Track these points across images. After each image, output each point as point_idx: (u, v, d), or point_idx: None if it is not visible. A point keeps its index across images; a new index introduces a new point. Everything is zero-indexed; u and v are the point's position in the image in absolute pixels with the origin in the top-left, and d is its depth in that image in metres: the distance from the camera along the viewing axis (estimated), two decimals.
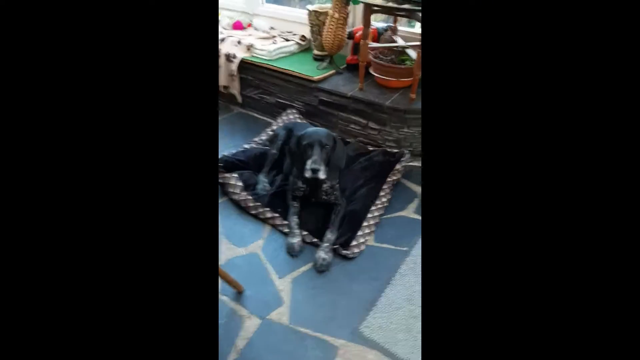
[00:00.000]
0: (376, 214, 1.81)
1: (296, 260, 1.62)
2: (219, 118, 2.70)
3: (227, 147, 2.30)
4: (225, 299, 1.45)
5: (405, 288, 1.50)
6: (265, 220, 1.81)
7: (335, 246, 1.63)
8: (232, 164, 1.99)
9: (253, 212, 1.83)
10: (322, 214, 1.80)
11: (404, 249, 1.68)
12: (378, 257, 1.65)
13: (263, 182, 1.94)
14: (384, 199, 1.89)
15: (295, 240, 1.66)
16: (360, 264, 1.61)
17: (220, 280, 1.42)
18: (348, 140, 2.33)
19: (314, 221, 1.76)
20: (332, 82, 2.37)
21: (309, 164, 1.64)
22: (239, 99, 2.75)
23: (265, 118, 2.72)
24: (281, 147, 2.02)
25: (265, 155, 2.07)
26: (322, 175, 1.64)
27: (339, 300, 1.46)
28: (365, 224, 1.74)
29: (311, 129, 1.77)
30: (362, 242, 1.68)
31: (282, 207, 1.81)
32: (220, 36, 2.73)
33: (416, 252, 1.67)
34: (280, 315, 1.41)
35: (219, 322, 1.37)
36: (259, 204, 1.82)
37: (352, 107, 2.25)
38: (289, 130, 2.08)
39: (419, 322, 1.39)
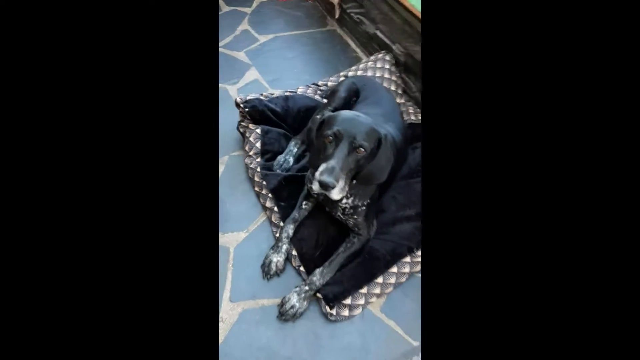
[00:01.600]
0: (406, 269, 1.20)
1: (265, 286, 1.20)
2: (306, 31, 2.09)
3: (287, 77, 1.79)
4: None
5: None
6: (264, 208, 1.36)
7: (318, 295, 1.14)
8: (262, 115, 1.49)
9: (256, 189, 1.39)
10: (331, 235, 1.27)
11: (415, 343, 1.11)
12: (371, 337, 1.12)
13: (288, 154, 1.42)
14: None
15: (276, 258, 1.21)
16: (339, 336, 1.12)
17: None
18: None
19: (314, 241, 1.25)
20: None
21: (319, 171, 1.02)
22: (337, 12, 2.06)
23: (357, 50, 2.02)
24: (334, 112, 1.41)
25: (312, 113, 1.50)
26: (336, 195, 1.03)
27: None
28: (380, 279, 1.17)
29: (349, 112, 1.11)
30: (360, 305, 1.15)
31: (288, 200, 1.32)
32: None
33: None
34: None
35: None
36: (265, 183, 1.35)
37: None
38: (354, 91, 1.43)
39: None
